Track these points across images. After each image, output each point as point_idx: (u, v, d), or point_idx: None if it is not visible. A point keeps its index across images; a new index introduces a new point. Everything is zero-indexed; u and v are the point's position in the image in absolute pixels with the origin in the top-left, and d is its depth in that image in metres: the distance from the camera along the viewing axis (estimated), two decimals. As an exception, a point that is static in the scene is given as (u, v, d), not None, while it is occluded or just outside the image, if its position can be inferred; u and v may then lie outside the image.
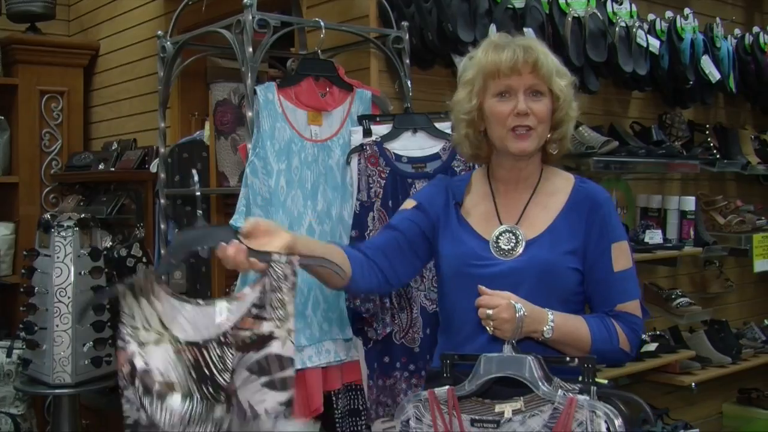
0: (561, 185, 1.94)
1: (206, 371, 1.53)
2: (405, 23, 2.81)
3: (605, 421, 1.57)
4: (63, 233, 3.48)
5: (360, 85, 2.69)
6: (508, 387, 1.67)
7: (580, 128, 3.34)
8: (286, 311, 1.54)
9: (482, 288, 1.74)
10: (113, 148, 4.41)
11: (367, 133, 2.55)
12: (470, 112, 1.91)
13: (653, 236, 3.46)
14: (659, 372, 3.51)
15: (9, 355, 3.89)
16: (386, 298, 2.46)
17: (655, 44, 3.54)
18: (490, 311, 1.69)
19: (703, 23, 3.88)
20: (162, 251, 2.92)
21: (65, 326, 3.42)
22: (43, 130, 4.59)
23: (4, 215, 4.54)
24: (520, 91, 1.85)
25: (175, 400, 1.51)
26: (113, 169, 4.24)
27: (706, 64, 3.75)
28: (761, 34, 4.12)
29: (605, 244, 1.86)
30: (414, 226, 1.96)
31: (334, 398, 2.60)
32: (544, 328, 1.73)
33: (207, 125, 3.02)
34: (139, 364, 1.52)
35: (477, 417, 1.67)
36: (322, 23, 2.60)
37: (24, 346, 3.60)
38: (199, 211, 1.65)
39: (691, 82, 3.70)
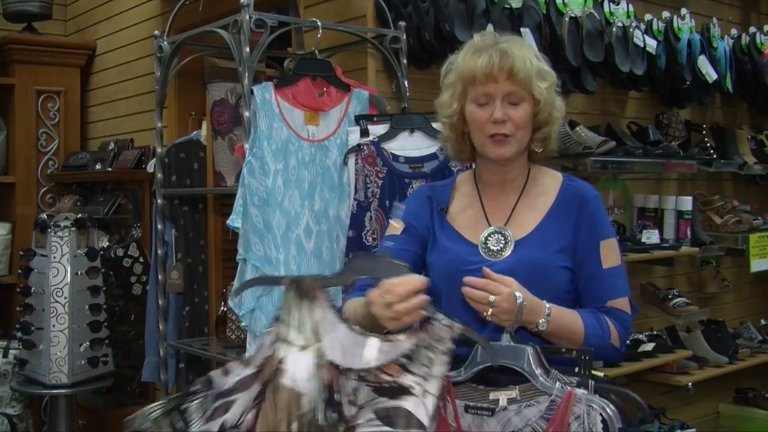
0: (549, 184, 1.94)
1: (336, 397, 1.50)
2: (402, 23, 2.81)
3: (600, 414, 1.56)
4: (60, 233, 3.48)
5: (357, 85, 2.69)
6: (503, 374, 1.67)
7: (577, 128, 3.34)
8: (430, 372, 1.50)
9: (487, 270, 1.72)
10: (110, 148, 4.41)
11: (365, 133, 2.55)
12: (452, 116, 1.92)
13: (650, 236, 3.46)
14: (656, 372, 3.50)
15: (5, 355, 3.88)
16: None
17: (652, 44, 3.55)
18: (492, 298, 1.68)
19: (700, 23, 3.89)
20: (159, 251, 2.92)
21: (62, 326, 3.42)
22: (39, 129, 4.58)
23: (1, 215, 4.54)
24: (497, 98, 1.82)
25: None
26: (110, 169, 4.24)
27: (703, 64, 3.76)
28: (758, 34, 4.13)
29: (594, 241, 1.86)
30: (409, 254, 1.93)
31: (331, 398, 2.60)
32: (540, 320, 1.73)
33: (204, 125, 3.01)
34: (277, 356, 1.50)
35: (471, 403, 1.66)
36: (319, 23, 2.60)
37: (20, 346, 3.60)
38: (390, 244, 1.65)
39: (688, 82, 3.71)
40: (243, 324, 2.40)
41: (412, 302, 1.55)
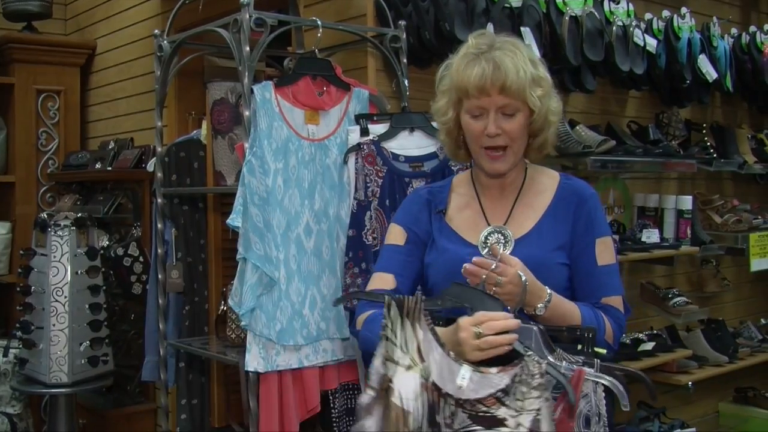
0: (547, 183, 1.95)
1: (437, 418, 1.56)
2: (402, 22, 2.81)
3: (603, 392, 1.60)
4: (60, 232, 3.48)
5: (357, 84, 2.69)
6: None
7: (577, 127, 3.34)
8: (524, 405, 1.56)
9: (495, 247, 1.76)
10: (110, 147, 4.41)
11: (365, 132, 2.55)
12: (447, 123, 1.93)
13: (650, 235, 3.47)
14: (656, 371, 3.51)
15: (5, 354, 3.88)
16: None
17: (652, 43, 3.55)
18: (501, 278, 1.70)
19: (700, 22, 3.89)
20: (159, 251, 2.92)
21: (62, 325, 3.42)
22: (39, 129, 4.58)
23: (1, 214, 4.54)
24: (491, 111, 1.82)
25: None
26: (110, 168, 4.24)
27: (703, 63, 3.76)
28: (758, 33, 4.13)
29: (590, 238, 1.88)
30: (416, 264, 1.96)
31: (331, 397, 2.60)
32: (539, 305, 1.75)
33: (204, 124, 3.01)
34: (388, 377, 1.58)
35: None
36: (319, 22, 2.60)
37: (20, 346, 3.60)
38: (483, 281, 1.67)
39: (688, 82, 3.71)
40: (243, 323, 2.40)
41: (503, 339, 1.60)
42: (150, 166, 3.84)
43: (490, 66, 1.79)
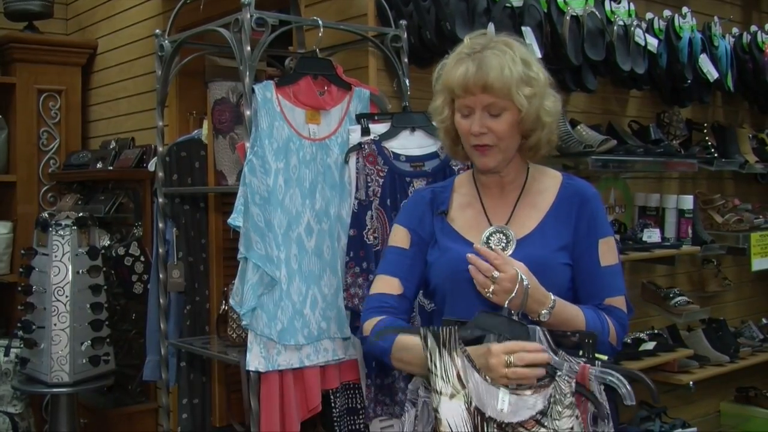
0: (549, 183, 1.94)
1: None
2: (403, 22, 2.81)
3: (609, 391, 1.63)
4: (61, 232, 3.48)
5: (358, 83, 2.69)
6: None
7: (578, 127, 3.34)
8: (560, 425, 1.60)
9: (498, 251, 1.75)
10: (111, 146, 4.41)
11: (366, 131, 2.55)
12: (444, 122, 1.94)
13: (651, 235, 3.47)
14: (657, 370, 3.51)
15: (7, 354, 3.89)
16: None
17: (653, 43, 3.54)
18: (497, 274, 1.69)
19: (701, 22, 3.89)
20: (160, 250, 2.92)
21: (63, 325, 3.42)
22: (40, 128, 4.58)
23: (2, 214, 4.54)
24: (477, 110, 1.83)
25: None
26: (111, 167, 4.24)
27: (704, 62, 3.76)
28: (759, 32, 4.13)
29: (592, 239, 1.87)
30: (422, 267, 1.96)
31: (332, 397, 2.60)
32: (543, 311, 1.74)
33: (205, 124, 3.01)
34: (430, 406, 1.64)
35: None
36: (320, 22, 2.60)
37: (22, 345, 3.60)
38: (506, 305, 1.69)
39: (689, 81, 3.71)
40: (244, 323, 2.40)
41: (532, 373, 1.62)
42: (151, 166, 3.84)
43: (474, 65, 1.80)
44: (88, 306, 3.52)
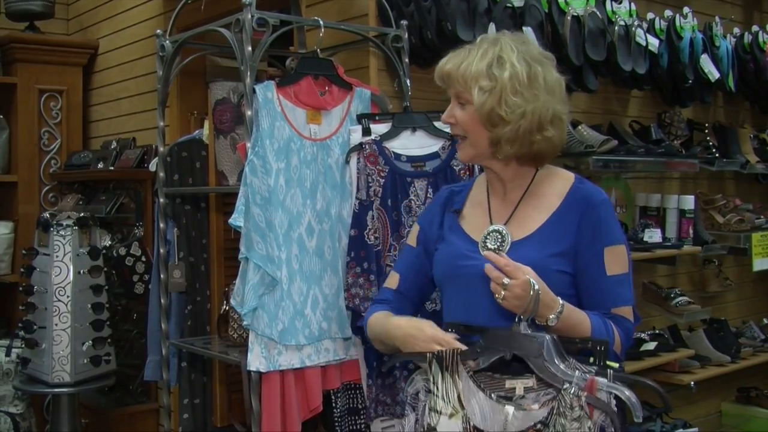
0: (558, 185, 1.90)
1: None
2: (404, 22, 2.81)
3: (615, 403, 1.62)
4: (62, 232, 3.49)
5: (359, 83, 2.69)
6: (516, 361, 1.69)
7: (579, 127, 3.34)
8: None
9: (505, 257, 1.75)
10: (112, 146, 4.41)
11: (366, 131, 2.55)
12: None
13: (652, 235, 3.47)
14: (658, 371, 3.51)
15: (8, 354, 3.89)
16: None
17: (654, 43, 3.54)
18: (507, 280, 1.69)
19: (702, 22, 3.89)
20: (161, 250, 2.92)
21: (64, 325, 3.43)
22: (42, 129, 4.58)
23: (3, 214, 4.54)
24: (452, 99, 1.90)
25: None
26: (112, 168, 4.24)
27: (705, 63, 3.75)
28: (760, 33, 4.12)
29: (598, 247, 1.82)
30: (425, 262, 2.00)
31: (333, 397, 2.60)
32: (551, 316, 1.72)
33: (206, 124, 3.01)
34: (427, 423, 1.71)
35: (488, 391, 1.70)
36: (321, 22, 2.60)
37: (23, 345, 3.61)
38: (519, 318, 1.72)
39: (690, 81, 3.70)
40: (245, 323, 2.40)
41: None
42: (152, 166, 3.84)
43: (446, 56, 1.89)
44: (89, 306, 3.52)
